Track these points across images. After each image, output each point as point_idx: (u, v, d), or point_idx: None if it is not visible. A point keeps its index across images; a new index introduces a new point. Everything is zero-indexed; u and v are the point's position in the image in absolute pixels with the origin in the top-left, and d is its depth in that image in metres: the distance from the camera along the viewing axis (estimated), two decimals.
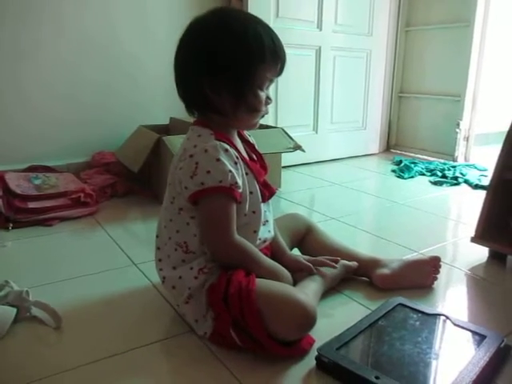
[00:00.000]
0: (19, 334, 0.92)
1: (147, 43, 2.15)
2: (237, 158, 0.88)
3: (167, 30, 2.16)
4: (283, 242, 1.09)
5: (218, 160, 0.84)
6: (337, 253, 1.14)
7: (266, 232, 0.99)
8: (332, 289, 1.09)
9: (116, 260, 1.27)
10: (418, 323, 0.91)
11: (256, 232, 0.95)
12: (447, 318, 0.92)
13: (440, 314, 0.94)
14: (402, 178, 2.27)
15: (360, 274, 1.15)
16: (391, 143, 3.02)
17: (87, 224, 1.56)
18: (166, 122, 2.13)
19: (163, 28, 2.17)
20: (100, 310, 1.01)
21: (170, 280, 0.92)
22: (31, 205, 1.59)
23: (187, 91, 0.93)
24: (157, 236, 0.98)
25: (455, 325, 0.90)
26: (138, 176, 1.79)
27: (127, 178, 1.91)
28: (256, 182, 0.94)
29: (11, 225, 1.50)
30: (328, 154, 2.66)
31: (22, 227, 1.51)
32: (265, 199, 0.96)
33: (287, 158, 2.20)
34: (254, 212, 0.94)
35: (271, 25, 0.94)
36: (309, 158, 2.49)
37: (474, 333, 0.88)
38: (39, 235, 1.46)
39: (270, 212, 1.01)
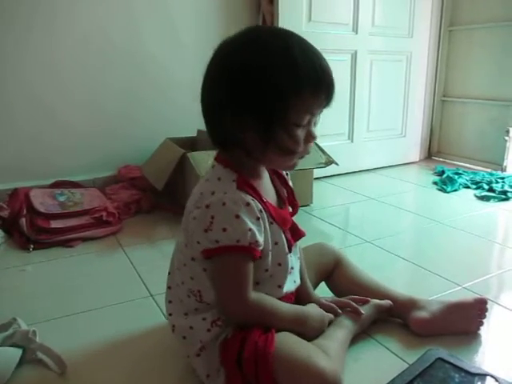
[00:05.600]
0: (23, 377, 0.88)
1: (174, 50, 2.08)
2: (260, 211, 0.77)
3: (194, 36, 2.10)
4: (309, 284, 0.99)
5: (238, 217, 0.73)
6: (368, 290, 1.03)
7: (292, 283, 0.89)
8: (362, 332, 0.98)
9: (133, 290, 1.20)
10: None
11: (281, 287, 0.85)
12: (496, 380, 0.80)
13: (487, 374, 0.81)
14: (445, 191, 2.10)
15: (394, 315, 1.03)
16: (433, 151, 2.84)
17: (108, 245, 1.51)
18: (194, 133, 2.06)
19: (190, 34, 2.10)
20: (108, 353, 0.95)
21: (180, 329, 0.83)
22: (54, 224, 1.56)
23: (208, 122, 0.80)
24: (169, 273, 0.90)
25: None
26: (164, 191, 1.73)
27: (153, 194, 1.85)
28: (282, 232, 0.83)
29: (32, 246, 1.47)
30: (364, 163, 2.53)
31: (43, 248, 1.48)
32: (291, 250, 0.86)
33: (320, 169, 2.08)
34: (279, 264, 0.83)
35: (303, 29, 0.79)
36: (344, 169, 2.36)
37: None
38: (59, 257, 1.42)
39: (295, 256, 0.90)
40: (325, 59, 0.77)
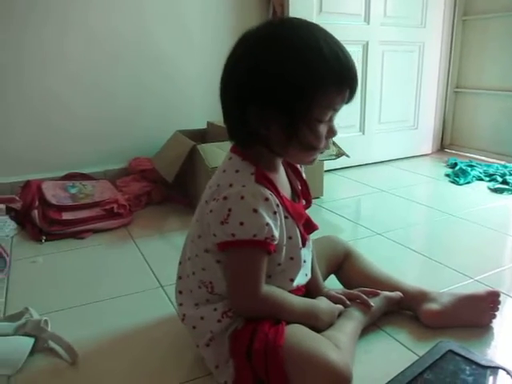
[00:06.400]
0: (34, 367, 0.89)
1: (183, 42, 2.07)
2: (277, 205, 0.76)
3: (204, 28, 2.09)
4: (320, 277, 0.99)
5: (256, 211, 0.72)
6: (378, 283, 1.03)
7: (303, 276, 0.88)
8: (372, 324, 0.97)
9: (143, 280, 1.21)
10: (471, 379, 0.78)
11: (292, 280, 0.84)
12: (507, 372, 0.79)
13: (498, 367, 0.80)
14: (457, 183, 2.08)
15: (405, 308, 1.02)
16: (445, 143, 2.80)
17: (119, 237, 1.52)
18: (204, 125, 2.06)
19: (200, 26, 2.09)
20: (119, 343, 0.96)
21: (190, 319, 0.84)
22: (65, 216, 1.57)
23: (229, 118, 0.79)
24: (180, 263, 0.90)
25: None
26: (174, 183, 1.73)
27: (164, 186, 1.86)
28: (296, 226, 0.82)
29: (44, 237, 1.48)
30: (376, 155, 2.50)
31: (55, 239, 1.49)
32: (304, 244, 0.85)
33: (331, 161, 2.07)
34: (291, 258, 0.82)
35: (314, 20, 0.76)
36: (355, 161, 2.34)
37: None
38: (70, 249, 1.43)
39: (308, 249, 0.89)
40: (349, 53, 0.75)
